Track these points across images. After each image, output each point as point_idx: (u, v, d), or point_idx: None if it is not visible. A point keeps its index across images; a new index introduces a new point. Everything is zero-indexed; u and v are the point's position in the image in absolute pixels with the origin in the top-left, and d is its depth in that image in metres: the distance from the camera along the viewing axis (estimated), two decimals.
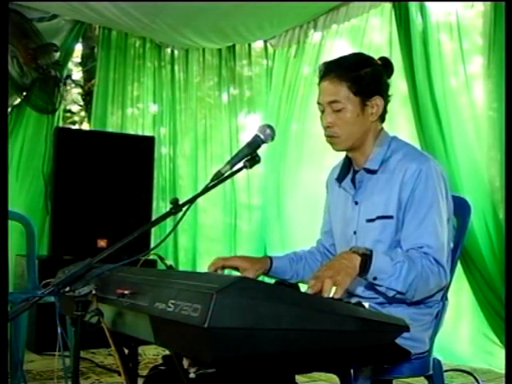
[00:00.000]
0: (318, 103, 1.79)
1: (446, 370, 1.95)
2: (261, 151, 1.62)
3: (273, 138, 1.64)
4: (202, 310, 1.09)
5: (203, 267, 4.98)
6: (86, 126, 7.38)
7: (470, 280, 3.62)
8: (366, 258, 1.54)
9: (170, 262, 1.91)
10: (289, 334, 1.16)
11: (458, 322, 3.75)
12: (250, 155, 1.60)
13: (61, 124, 4.84)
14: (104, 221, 4.26)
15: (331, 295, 1.42)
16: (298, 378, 1.54)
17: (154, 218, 4.47)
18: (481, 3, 3.67)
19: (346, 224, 1.85)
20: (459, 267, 3.29)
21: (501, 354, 3.33)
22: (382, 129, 1.84)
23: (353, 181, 1.85)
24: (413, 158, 1.73)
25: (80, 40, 5.39)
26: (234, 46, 5.35)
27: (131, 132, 5.00)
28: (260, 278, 1.94)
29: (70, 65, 5.81)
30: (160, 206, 4.98)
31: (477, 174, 3.62)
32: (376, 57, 1.85)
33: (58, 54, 4.55)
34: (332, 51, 4.53)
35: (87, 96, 6.89)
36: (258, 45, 5.43)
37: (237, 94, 5.44)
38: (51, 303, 2.30)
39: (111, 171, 4.36)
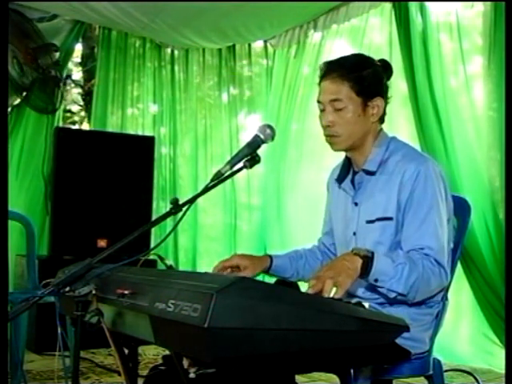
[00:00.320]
0: (319, 102, 1.79)
1: (446, 370, 1.95)
2: (261, 151, 1.62)
3: (273, 138, 1.64)
4: (202, 310, 1.09)
5: (203, 267, 4.99)
6: (86, 126, 7.38)
7: (470, 280, 3.62)
8: (368, 259, 1.54)
9: (170, 262, 1.91)
10: (289, 334, 1.16)
11: (458, 322, 3.75)
12: (249, 155, 1.60)
13: (61, 124, 4.84)
14: (104, 221, 4.26)
15: (331, 295, 1.42)
16: (298, 377, 1.54)
17: (153, 217, 4.47)
18: (481, 3, 3.67)
19: (345, 225, 1.85)
20: (459, 267, 3.29)
21: (501, 354, 3.33)
22: (382, 130, 1.84)
23: (352, 182, 1.85)
24: (411, 159, 1.73)
25: (80, 40, 5.39)
26: (234, 46, 5.34)
27: (131, 132, 5.00)
28: (260, 277, 1.94)
29: (70, 65, 5.81)
30: (160, 206, 4.98)
31: (477, 173, 3.62)
32: (376, 57, 1.86)
33: (57, 54, 4.55)
34: (332, 51, 4.53)
35: (87, 96, 6.89)
36: (258, 45, 5.42)
37: (237, 94, 5.44)
38: (51, 303, 2.30)
39: (111, 171, 4.36)
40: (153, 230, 4.35)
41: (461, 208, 1.88)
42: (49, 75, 4.50)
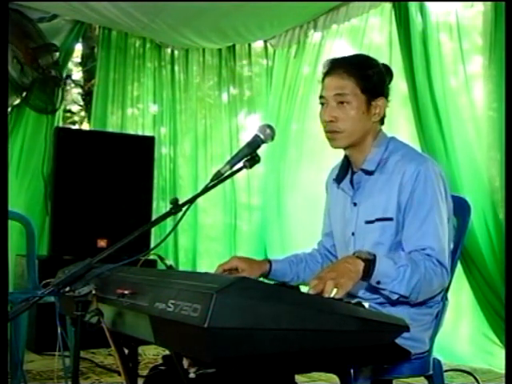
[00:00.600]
0: (321, 97, 1.78)
1: (446, 370, 1.95)
2: (261, 151, 1.62)
3: (273, 138, 1.64)
4: (202, 310, 1.09)
5: (203, 267, 4.99)
6: (86, 126, 7.38)
7: (470, 280, 3.62)
8: (370, 262, 1.54)
9: (170, 262, 1.91)
10: (289, 334, 1.16)
11: (457, 321, 3.75)
12: (249, 155, 1.60)
13: (61, 124, 4.84)
14: (104, 221, 4.26)
15: (332, 296, 1.42)
16: (298, 377, 1.54)
17: (153, 218, 4.47)
18: (481, 3, 3.67)
19: (344, 225, 1.85)
20: (459, 267, 3.29)
21: (501, 354, 3.33)
22: (381, 130, 1.84)
23: (351, 182, 1.85)
24: (411, 159, 1.73)
25: (80, 40, 5.39)
26: (234, 46, 5.35)
27: (131, 132, 5.00)
28: None
29: (70, 65, 5.82)
30: (160, 206, 4.98)
31: (477, 173, 3.62)
32: (376, 57, 1.87)
33: (57, 54, 4.55)
34: (332, 51, 4.52)
35: (87, 96, 6.89)
36: (258, 45, 5.42)
37: (237, 94, 5.44)
38: (51, 303, 2.30)
39: (111, 171, 4.36)
40: (153, 230, 4.34)
41: (461, 208, 1.88)
42: (49, 75, 4.50)
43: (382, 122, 1.83)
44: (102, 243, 4.18)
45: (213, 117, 5.40)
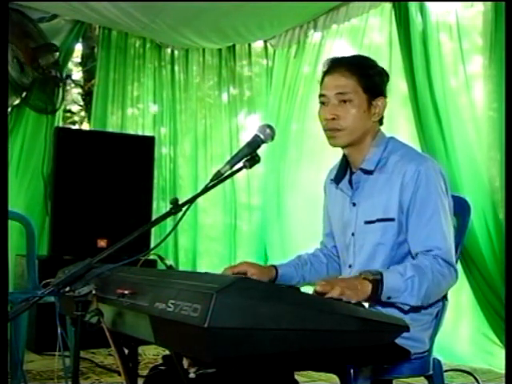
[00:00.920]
0: (322, 95, 1.78)
1: (446, 370, 1.95)
2: (261, 151, 1.62)
3: (273, 138, 1.64)
4: (202, 310, 1.09)
5: (203, 267, 5.00)
6: (86, 126, 7.38)
7: (470, 280, 3.62)
8: (377, 282, 1.54)
9: (170, 262, 1.91)
10: (289, 334, 1.16)
11: (457, 321, 3.75)
12: (249, 155, 1.59)
13: (61, 124, 4.84)
14: (104, 221, 4.26)
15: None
16: (298, 378, 1.54)
17: (153, 217, 4.47)
18: (481, 3, 3.67)
19: (344, 226, 1.85)
20: (459, 267, 3.28)
21: (501, 354, 3.33)
22: (380, 130, 1.84)
23: (350, 182, 1.84)
24: (411, 159, 1.73)
25: (80, 40, 5.39)
26: (234, 46, 5.35)
27: (131, 132, 5.00)
28: None
29: (70, 65, 5.82)
30: (160, 206, 4.98)
31: (477, 173, 3.62)
32: (376, 57, 1.87)
33: (57, 54, 4.55)
34: (332, 51, 4.52)
35: (87, 96, 6.89)
36: (258, 45, 5.43)
37: (237, 94, 5.44)
38: (51, 303, 2.29)
39: (111, 171, 4.36)
40: (153, 229, 4.34)
41: (461, 208, 1.88)
42: (49, 75, 4.50)
43: (381, 122, 1.83)
44: (102, 243, 4.18)
45: (213, 117, 5.40)
